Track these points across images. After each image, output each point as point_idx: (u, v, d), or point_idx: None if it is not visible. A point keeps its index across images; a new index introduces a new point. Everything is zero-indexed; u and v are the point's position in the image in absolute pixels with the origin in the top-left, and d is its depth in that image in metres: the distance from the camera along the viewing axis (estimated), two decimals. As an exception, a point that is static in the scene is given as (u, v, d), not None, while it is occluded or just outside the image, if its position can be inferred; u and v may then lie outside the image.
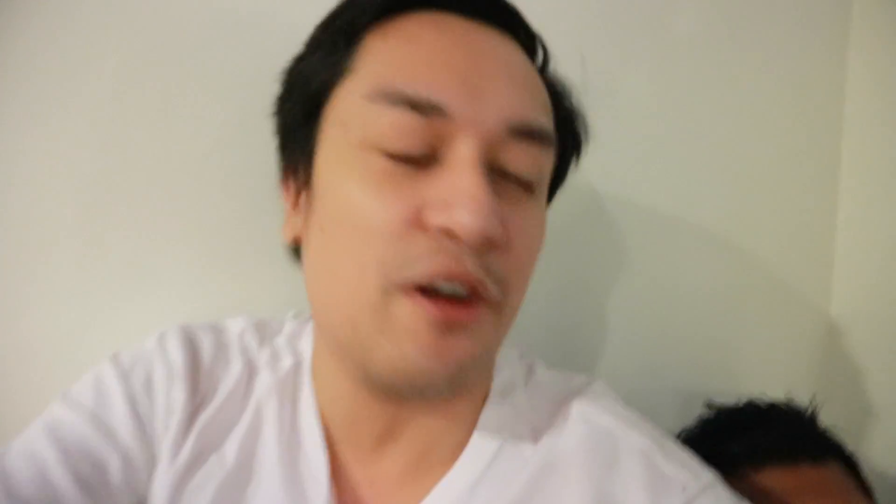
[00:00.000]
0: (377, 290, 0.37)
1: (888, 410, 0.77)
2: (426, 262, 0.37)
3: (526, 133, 0.40)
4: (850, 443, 0.67)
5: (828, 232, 0.82)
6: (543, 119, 0.41)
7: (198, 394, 0.47)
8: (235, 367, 0.49)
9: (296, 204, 0.45)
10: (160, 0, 0.61)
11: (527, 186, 0.41)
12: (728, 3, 0.76)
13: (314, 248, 0.42)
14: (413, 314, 0.37)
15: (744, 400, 0.69)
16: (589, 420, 0.46)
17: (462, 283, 0.37)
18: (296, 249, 0.49)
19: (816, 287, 0.82)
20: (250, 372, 0.50)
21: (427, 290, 0.37)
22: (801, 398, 0.71)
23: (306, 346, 0.52)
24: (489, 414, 0.47)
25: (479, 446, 0.46)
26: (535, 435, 0.47)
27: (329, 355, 0.45)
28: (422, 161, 0.38)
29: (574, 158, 0.50)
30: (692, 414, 0.72)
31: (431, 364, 0.37)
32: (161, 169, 0.62)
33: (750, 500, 0.58)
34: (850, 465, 0.64)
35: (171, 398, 0.46)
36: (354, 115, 0.40)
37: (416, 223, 0.37)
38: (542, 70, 0.47)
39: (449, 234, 0.37)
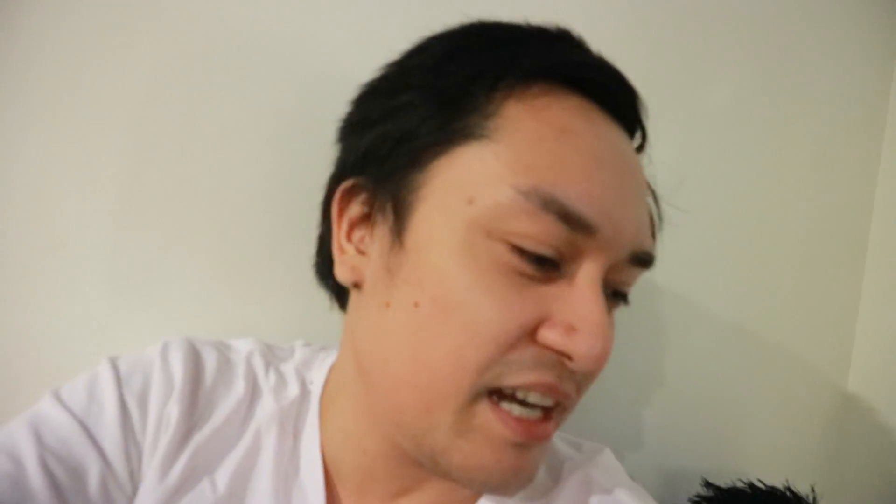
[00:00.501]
0: (469, 394, 0.36)
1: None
2: (528, 374, 0.35)
3: (640, 260, 0.39)
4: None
5: (850, 310, 0.83)
6: (652, 243, 0.40)
7: (195, 412, 0.45)
8: (238, 389, 0.47)
9: (369, 246, 0.41)
10: (192, 10, 0.60)
11: (619, 301, 0.41)
12: (758, 83, 0.77)
13: (398, 321, 0.37)
14: (495, 429, 0.36)
15: (748, 480, 0.68)
16: (601, 490, 0.45)
17: (553, 397, 0.37)
18: (328, 281, 0.47)
19: (834, 364, 0.83)
20: (253, 395, 0.47)
21: (507, 398, 0.36)
22: (812, 478, 0.71)
23: (317, 376, 0.49)
24: None
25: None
26: (547, 499, 0.45)
27: (354, 407, 0.43)
28: (549, 269, 0.36)
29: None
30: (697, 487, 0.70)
31: (507, 477, 0.37)
32: (182, 180, 0.60)
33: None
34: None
35: (165, 413, 0.44)
36: (491, 199, 0.35)
37: (531, 335, 0.35)
38: None
39: (564, 355, 0.35)
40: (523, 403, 0.36)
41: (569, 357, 0.35)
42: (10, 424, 0.42)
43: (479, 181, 0.36)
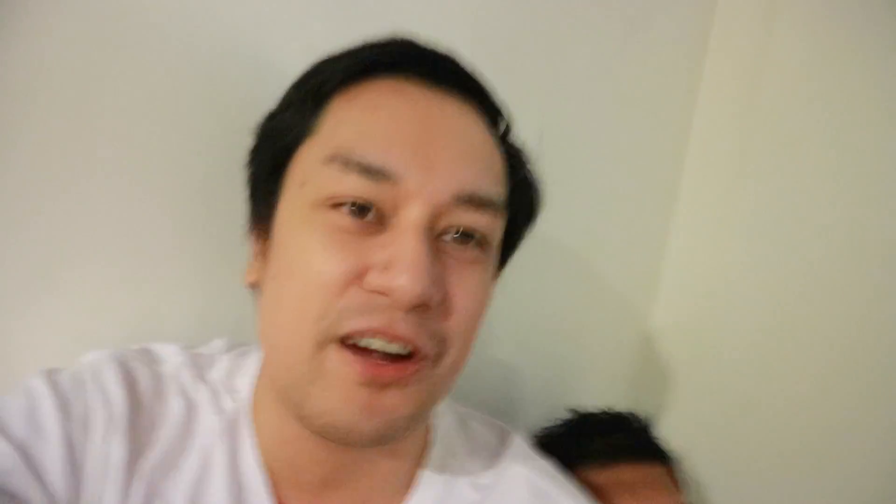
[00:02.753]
0: (312, 342, 0.39)
1: (696, 405, 0.94)
2: (360, 319, 0.39)
3: (473, 203, 0.42)
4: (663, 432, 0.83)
5: (657, 254, 0.97)
6: (492, 189, 0.43)
7: (137, 438, 0.45)
8: (174, 408, 0.48)
9: (259, 252, 0.47)
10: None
11: (473, 251, 0.43)
12: (611, 48, 0.85)
13: (267, 296, 0.44)
14: (342, 370, 0.39)
15: (592, 405, 0.83)
16: (531, 483, 0.52)
17: (396, 342, 0.39)
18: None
19: (643, 301, 0.99)
20: (189, 413, 0.48)
21: (361, 349, 0.39)
22: (622, 397, 0.87)
23: (243, 385, 0.51)
24: (435, 457, 0.51)
25: (428, 485, 0.49)
26: (477, 482, 0.51)
27: (274, 399, 0.46)
28: (371, 223, 0.40)
29: (527, 226, 0.52)
30: (545, 413, 0.84)
31: (358, 419, 0.39)
32: (73, 172, 0.57)
33: (605, 490, 0.70)
34: (672, 465, 0.78)
35: (110, 446, 0.43)
36: (311, 176, 0.42)
37: (358, 282, 0.39)
38: (504, 137, 0.48)
39: (384, 294, 0.39)
40: (372, 353, 0.39)
41: (386, 293, 0.38)
42: None
43: (306, 168, 0.43)
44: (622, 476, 0.71)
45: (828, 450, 0.79)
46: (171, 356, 0.52)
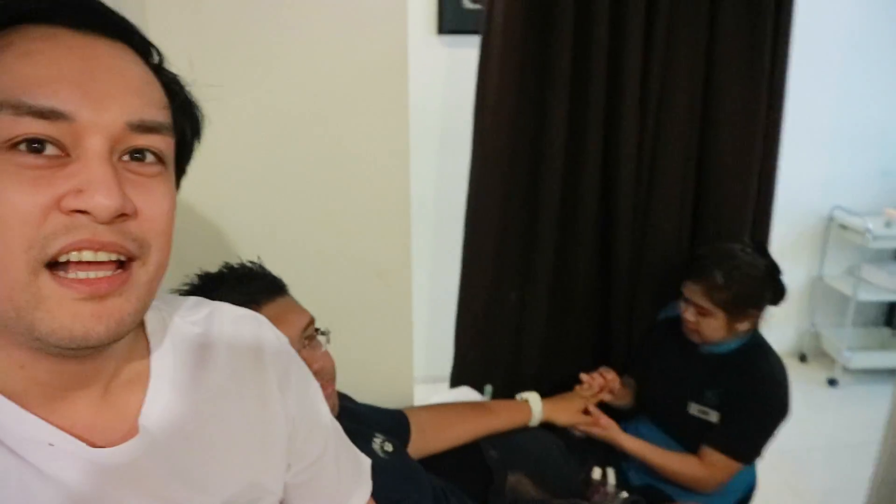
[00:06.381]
0: (25, 271, 0.43)
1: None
2: (64, 238, 0.44)
3: (144, 128, 0.48)
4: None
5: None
6: (158, 114, 0.49)
7: None
8: None
9: None
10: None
11: (153, 167, 0.50)
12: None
13: None
14: (61, 293, 0.44)
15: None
16: (237, 312, 0.65)
17: (103, 249, 0.45)
18: None
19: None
20: None
21: (76, 263, 0.44)
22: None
23: None
24: (152, 320, 0.59)
25: (158, 344, 0.58)
26: (192, 320, 0.61)
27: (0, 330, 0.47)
28: (54, 159, 0.44)
29: (196, 139, 0.59)
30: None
31: (91, 326, 0.45)
32: None
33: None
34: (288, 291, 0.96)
35: None
36: None
37: (56, 209, 0.44)
38: (159, 70, 0.53)
39: (84, 213, 0.44)
40: (88, 266, 0.45)
41: (87, 212, 0.44)
42: None
43: None
44: (268, 314, 0.86)
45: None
46: None
